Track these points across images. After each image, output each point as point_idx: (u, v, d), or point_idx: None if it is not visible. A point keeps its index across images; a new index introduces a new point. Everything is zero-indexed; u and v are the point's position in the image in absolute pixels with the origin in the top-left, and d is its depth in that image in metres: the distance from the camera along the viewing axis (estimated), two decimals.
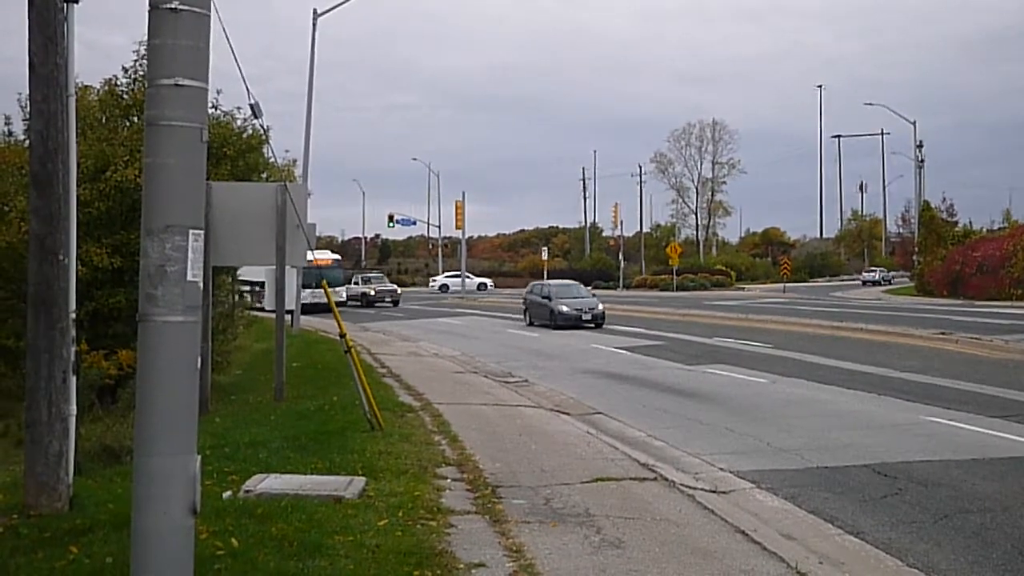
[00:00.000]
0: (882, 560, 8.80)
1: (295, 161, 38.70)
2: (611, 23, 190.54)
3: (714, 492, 11.21)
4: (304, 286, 49.49)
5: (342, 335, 14.96)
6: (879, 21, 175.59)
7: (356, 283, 67.77)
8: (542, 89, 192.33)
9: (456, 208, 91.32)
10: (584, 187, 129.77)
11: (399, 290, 69.69)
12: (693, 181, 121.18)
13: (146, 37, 5.22)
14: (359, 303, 64.71)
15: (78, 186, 10.01)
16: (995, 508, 10.51)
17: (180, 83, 5.01)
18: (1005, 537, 9.45)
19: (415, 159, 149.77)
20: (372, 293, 65.95)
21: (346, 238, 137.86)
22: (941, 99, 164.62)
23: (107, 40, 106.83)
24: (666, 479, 11.57)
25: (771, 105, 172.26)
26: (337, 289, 57.66)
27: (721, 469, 12.67)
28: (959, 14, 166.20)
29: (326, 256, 62.33)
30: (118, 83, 21.58)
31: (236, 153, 21.56)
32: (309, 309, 50.54)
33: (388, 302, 65.62)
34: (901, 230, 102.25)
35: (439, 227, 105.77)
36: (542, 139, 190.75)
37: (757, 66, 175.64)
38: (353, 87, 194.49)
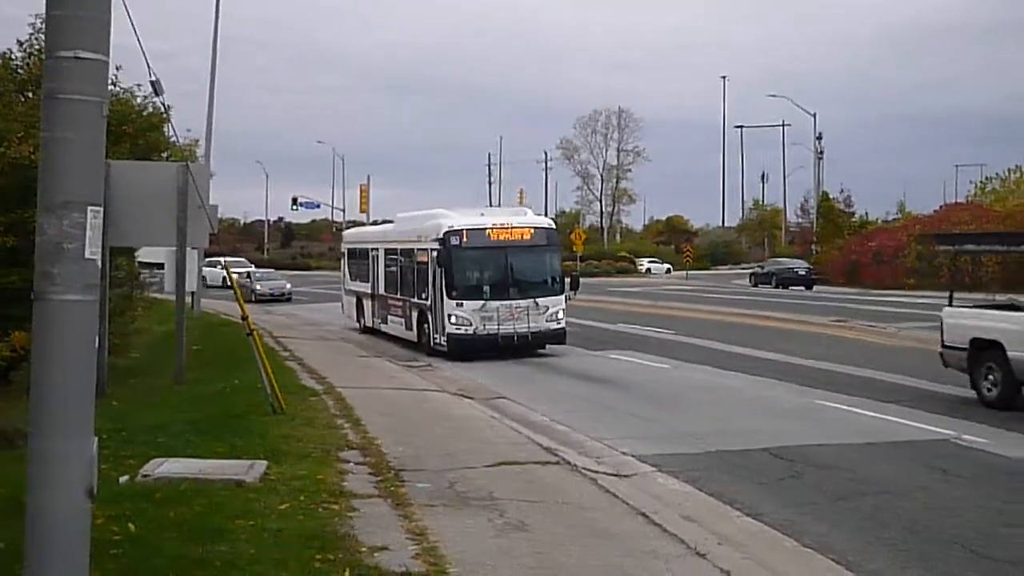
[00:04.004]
0: (780, 540, 8.99)
1: (197, 141, 37.75)
2: (528, 7, 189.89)
3: (616, 476, 11.34)
4: (460, 294, 23.65)
5: (244, 318, 14.78)
6: (806, 12, 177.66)
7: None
8: (462, 73, 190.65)
9: (360, 191, 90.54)
10: (490, 172, 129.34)
11: None
12: (598, 168, 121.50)
13: (44, 8, 5.05)
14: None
15: None
16: (889, 490, 10.82)
17: (80, 56, 4.84)
18: (898, 518, 9.73)
19: (320, 142, 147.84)
20: None
21: (248, 220, 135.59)
22: (866, 91, 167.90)
23: (1, 11, 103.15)
24: (569, 463, 11.66)
25: (690, 94, 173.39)
26: (543, 303, 24.17)
27: (624, 453, 12.80)
28: (886, 6, 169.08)
29: (526, 222, 25.67)
30: (13, 57, 20.96)
31: (136, 131, 21.08)
32: (478, 351, 23.19)
33: None
34: (800, 220, 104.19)
35: (343, 210, 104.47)
36: (458, 123, 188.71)
37: (678, 54, 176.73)
38: (273, 68, 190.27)
